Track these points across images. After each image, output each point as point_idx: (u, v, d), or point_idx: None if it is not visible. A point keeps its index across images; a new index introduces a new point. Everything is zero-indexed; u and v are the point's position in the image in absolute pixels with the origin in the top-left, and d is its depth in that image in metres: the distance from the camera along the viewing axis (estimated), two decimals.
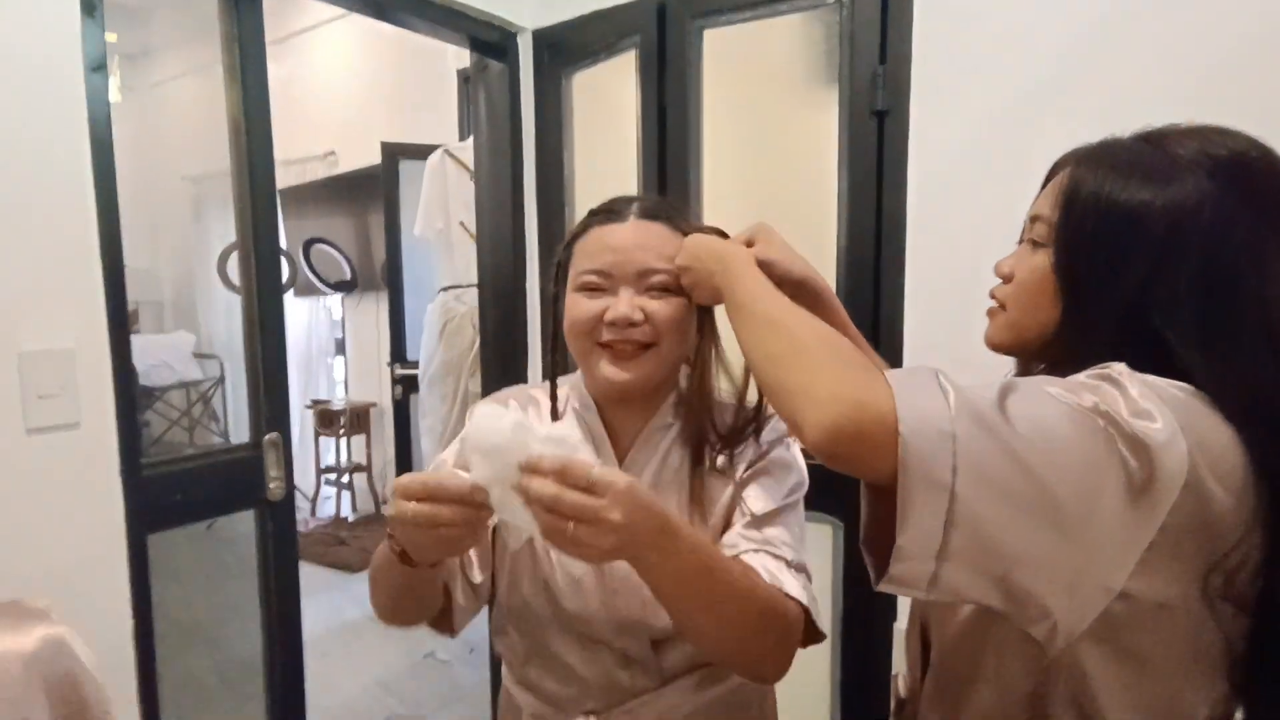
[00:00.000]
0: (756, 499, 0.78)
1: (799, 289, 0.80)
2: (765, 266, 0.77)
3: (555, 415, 0.86)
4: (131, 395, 1.20)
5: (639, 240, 0.79)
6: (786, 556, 0.74)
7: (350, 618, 3.14)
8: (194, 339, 4.62)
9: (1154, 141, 0.63)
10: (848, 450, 0.53)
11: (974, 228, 1.20)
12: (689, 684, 0.80)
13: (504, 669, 0.88)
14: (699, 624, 0.67)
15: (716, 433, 0.81)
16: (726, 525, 0.79)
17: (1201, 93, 1.05)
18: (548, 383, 0.88)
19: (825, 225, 1.38)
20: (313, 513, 4.48)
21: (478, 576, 0.81)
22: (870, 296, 1.32)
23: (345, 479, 4.42)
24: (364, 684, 2.64)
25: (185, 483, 1.35)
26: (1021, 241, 0.72)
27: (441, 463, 0.84)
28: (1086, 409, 0.53)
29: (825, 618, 1.44)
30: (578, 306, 0.79)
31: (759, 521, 0.76)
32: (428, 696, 2.56)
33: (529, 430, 0.58)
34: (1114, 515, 0.52)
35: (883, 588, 0.57)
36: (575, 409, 0.86)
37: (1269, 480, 0.54)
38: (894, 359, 1.27)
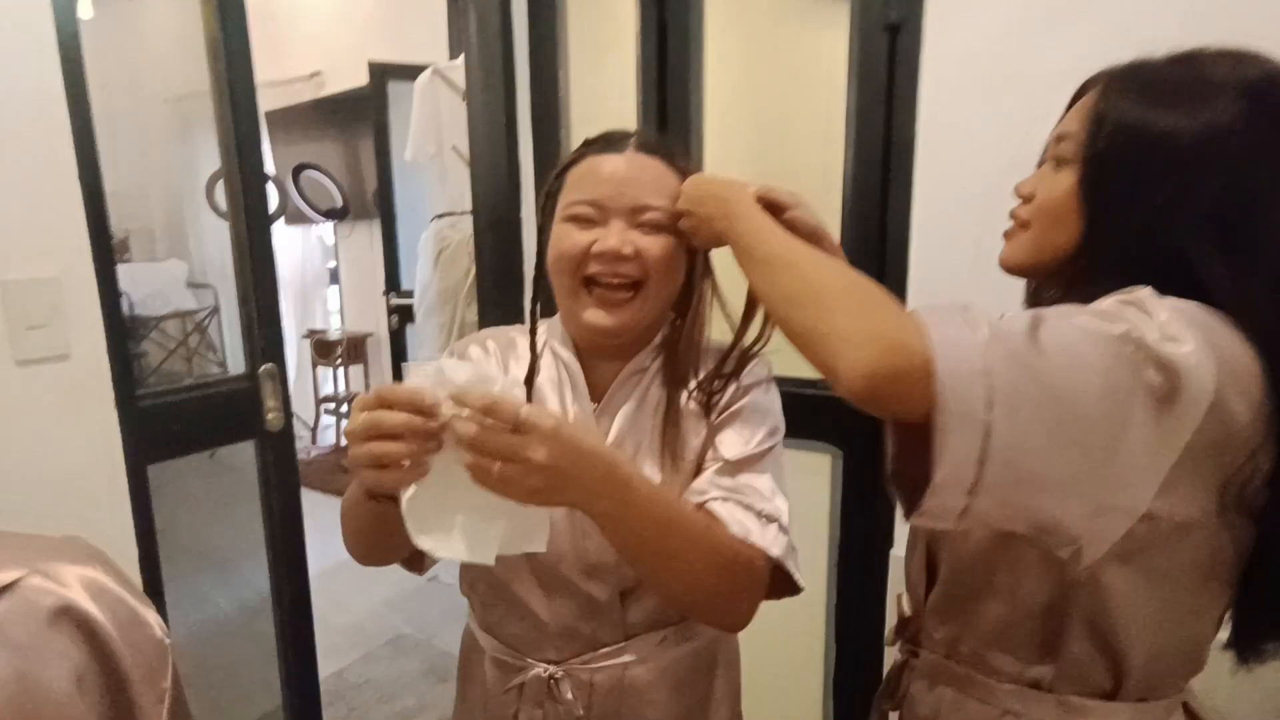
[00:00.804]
0: (730, 444, 0.77)
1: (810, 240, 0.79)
2: (772, 205, 0.75)
3: (534, 356, 0.83)
4: (121, 324, 1.18)
5: (635, 173, 0.76)
6: (756, 506, 0.72)
7: None
8: (187, 267, 4.56)
9: (1185, 63, 0.62)
10: (886, 392, 0.53)
11: (986, 149, 1.15)
12: (652, 640, 0.80)
13: (469, 611, 0.89)
14: (659, 575, 0.68)
15: (696, 377, 0.80)
16: (699, 470, 0.78)
17: (1229, 4, 0.99)
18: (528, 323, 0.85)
19: (833, 148, 1.33)
20: (314, 441, 4.53)
21: None
22: (877, 222, 1.28)
23: (344, 409, 4.45)
24: (371, 605, 2.72)
25: (183, 414, 1.35)
26: (1043, 162, 0.70)
27: None
28: (1116, 336, 0.53)
29: (822, 545, 1.45)
30: (565, 238, 0.76)
31: (731, 468, 0.75)
32: (433, 617, 2.65)
33: (486, 375, 0.58)
34: (1141, 439, 0.52)
35: (914, 522, 0.58)
36: (553, 350, 0.84)
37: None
38: (899, 287, 1.25)
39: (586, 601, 0.79)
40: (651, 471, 0.78)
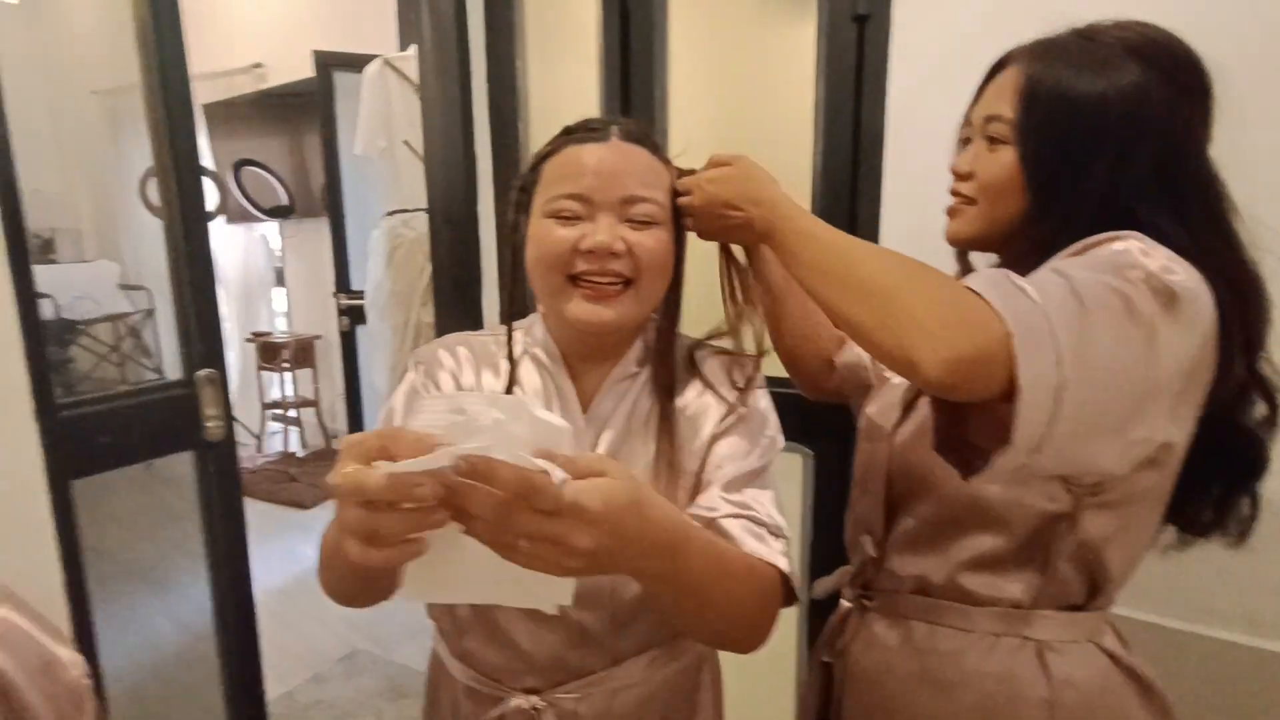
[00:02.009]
0: (734, 458, 0.73)
1: None
2: None
3: (512, 366, 0.77)
4: (39, 328, 1.08)
5: (622, 163, 0.70)
6: (767, 522, 0.69)
7: (307, 555, 3.08)
8: (119, 268, 4.33)
9: (1089, 36, 0.67)
10: (971, 374, 0.53)
11: (954, 142, 1.14)
12: (641, 663, 0.76)
13: (436, 638, 0.83)
14: (700, 617, 0.63)
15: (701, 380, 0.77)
16: (697, 480, 0.74)
17: (1201, 5, 0.99)
18: (503, 328, 0.79)
19: (801, 141, 1.30)
20: (259, 449, 4.35)
21: None
22: (846, 215, 1.26)
23: (293, 414, 4.29)
24: (325, 620, 2.61)
25: (113, 424, 1.25)
26: (967, 140, 0.75)
27: (391, 413, 0.76)
28: (1133, 279, 0.56)
29: (794, 547, 1.43)
30: (549, 235, 0.70)
31: (738, 483, 0.71)
32: (391, 629, 2.55)
33: (511, 434, 0.44)
34: (1165, 369, 0.56)
35: (975, 481, 0.60)
36: (535, 356, 0.79)
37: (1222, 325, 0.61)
38: None
39: (577, 630, 0.73)
40: (647, 482, 0.73)
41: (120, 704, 1.33)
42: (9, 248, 1.03)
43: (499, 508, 0.42)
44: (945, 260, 0.79)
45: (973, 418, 0.57)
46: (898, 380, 0.87)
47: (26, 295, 1.06)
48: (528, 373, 0.78)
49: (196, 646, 1.50)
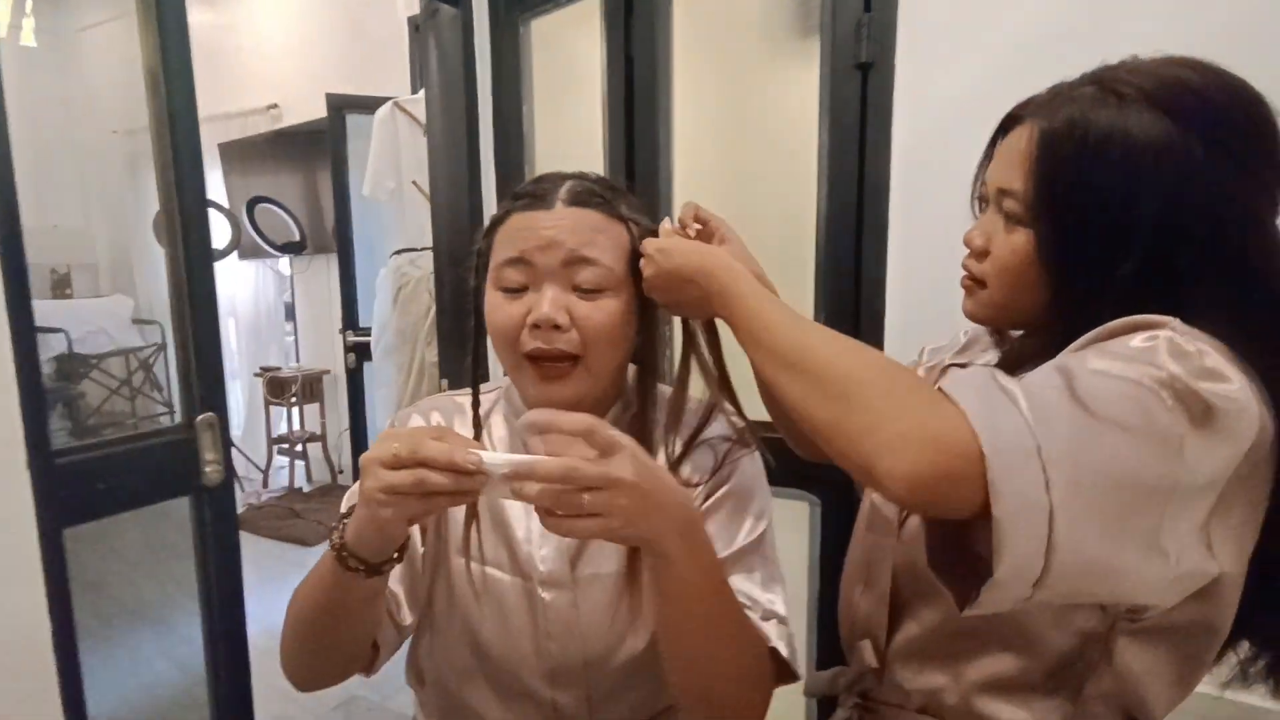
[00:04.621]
0: (719, 538, 0.69)
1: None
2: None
3: (477, 428, 0.75)
4: (37, 375, 1.07)
5: (567, 230, 0.68)
6: (763, 605, 0.67)
7: None
8: (132, 303, 4.39)
9: (1110, 86, 0.57)
10: (935, 493, 0.47)
11: (962, 193, 1.12)
12: None
13: (417, 709, 0.81)
14: (697, 648, 0.60)
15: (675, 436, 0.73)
16: None
17: (1205, 46, 0.98)
18: (491, 382, 0.79)
19: (806, 188, 1.30)
20: (265, 484, 4.33)
21: (407, 618, 0.72)
22: (852, 266, 1.24)
23: (299, 448, 4.27)
24: None
25: (108, 471, 1.23)
26: (982, 205, 0.67)
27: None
28: (1155, 384, 0.48)
29: (801, 598, 1.39)
30: (498, 311, 0.69)
31: (727, 565, 0.68)
32: (391, 675, 2.48)
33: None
34: (1196, 484, 0.48)
35: (968, 613, 0.51)
36: (506, 416, 0.77)
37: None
38: (875, 332, 1.21)
39: (551, 711, 0.71)
40: (623, 561, 0.71)
41: None
42: (7, 292, 1.03)
43: (553, 495, 0.51)
44: (955, 316, 0.74)
45: (969, 536, 0.49)
46: None
47: (25, 341, 1.05)
48: (500, 432, 0.77)
49: (192, 690, 1.46)
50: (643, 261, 0.70)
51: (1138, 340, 0.51)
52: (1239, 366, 0.51)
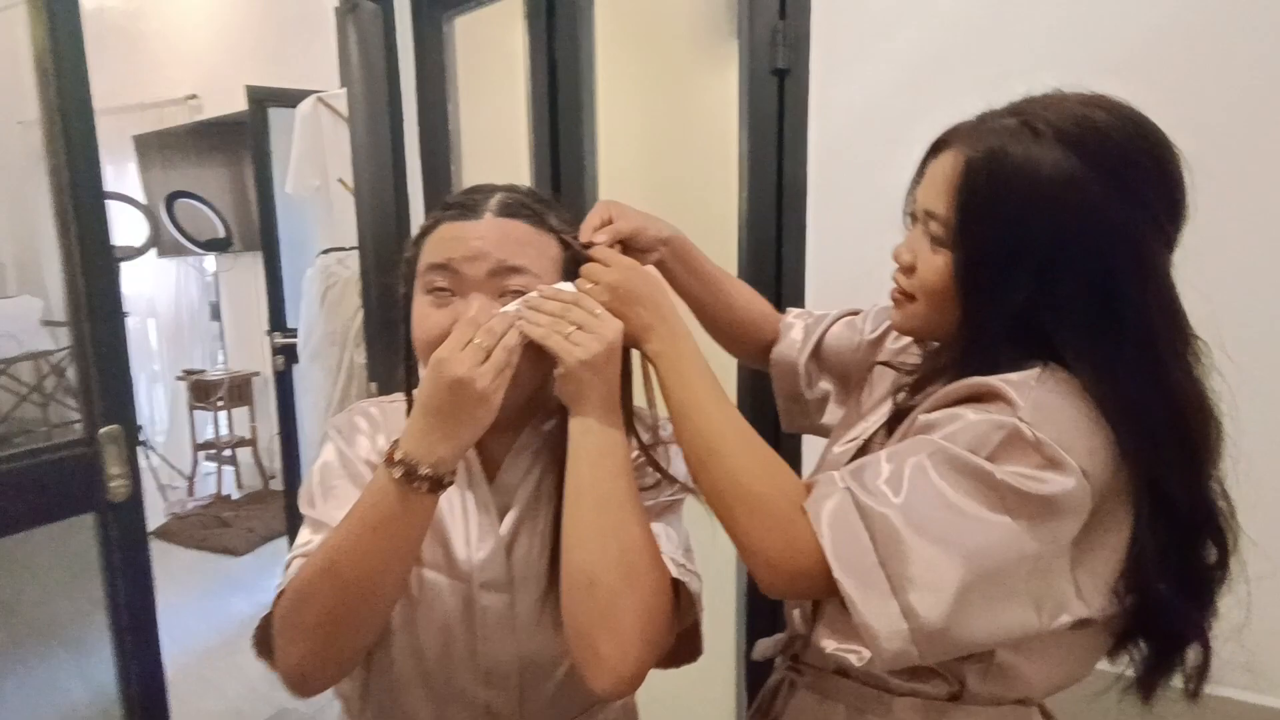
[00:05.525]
0: (648, 495, 0.71)
1: (667, 247, 0.81)
2: (631, 239, 0.76)
3: None
4: None
5: (495, 240, 0.67)
6: (671, 554, 0.67)
7: (235, 608, 2.93)
8: (41, 304, 4.13)
9: (1028, 121, 0.59)
10: (804, 596, 0.63)
11: (877, 198, 1.15)
12: None
13: (342, 717, 0.80)
14: (590, 527, 0.63)
15: None
16: None
17: (1109, 56, 1.02)
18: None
19: (727, 190, 1.31)
20: (190, 492, 4.16)
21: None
22: (773, 265, 1.26)
23: (228, 454, 4.12)
24: (248, 681, 2.47)
25: (5, 487, 1.16)
26: (912, 220, 0.70)
27: (327, 466, 0.73)
28: (994, 484, 0.54)
29: (729, 596, 1.40)
30: (424, 319, 0.68)
31: (651, 512, 0.69)
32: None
33: None
34: (1052, 551, 0.55)
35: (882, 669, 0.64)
36: None
37: (1136, 477, 0.57)
38: None
39: (484, 712, 0.71)
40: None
41: None
42: None
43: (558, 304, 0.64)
44: (877, 299, 0.79)
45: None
46: (843, 443, 0.80)
47: None
48: None
49: (107, 712, 1.39)
50: (593, 267, 0.69)
51: (984, 425, 0.56)
52: (1091, 422, 0.56)
